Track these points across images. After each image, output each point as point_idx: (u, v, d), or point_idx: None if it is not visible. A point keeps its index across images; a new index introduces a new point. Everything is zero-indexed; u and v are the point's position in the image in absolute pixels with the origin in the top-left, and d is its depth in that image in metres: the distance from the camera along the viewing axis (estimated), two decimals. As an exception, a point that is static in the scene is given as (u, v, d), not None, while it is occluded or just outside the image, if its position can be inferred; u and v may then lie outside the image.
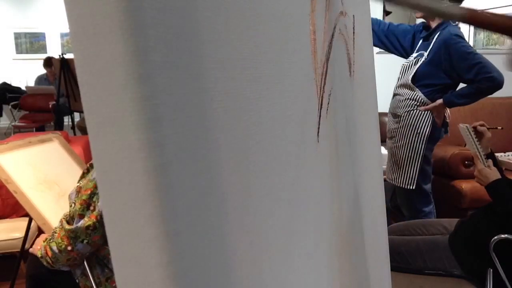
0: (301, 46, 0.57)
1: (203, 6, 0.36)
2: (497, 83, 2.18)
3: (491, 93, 2.29)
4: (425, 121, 2.33)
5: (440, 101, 2.29)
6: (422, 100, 2.34)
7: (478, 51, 2.37)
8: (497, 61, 3.49)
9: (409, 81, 2.36)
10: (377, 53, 3.18)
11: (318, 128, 0.63)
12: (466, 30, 5.60)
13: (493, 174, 1.56)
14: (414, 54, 2.42)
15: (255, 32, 0.45)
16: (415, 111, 2.34)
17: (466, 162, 2.74)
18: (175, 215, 0.31)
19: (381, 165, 1.16)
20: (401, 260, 1.67)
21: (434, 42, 2.29)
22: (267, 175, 0.46)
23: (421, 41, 2.41)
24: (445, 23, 2.29)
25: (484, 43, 5.40)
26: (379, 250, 1.06)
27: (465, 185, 2.72)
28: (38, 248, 1.37)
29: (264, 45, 0.46)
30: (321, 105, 0.64)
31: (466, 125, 1.69)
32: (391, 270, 1.21)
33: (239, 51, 0.41)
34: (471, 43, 5.54)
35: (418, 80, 2.35)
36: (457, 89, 2.35)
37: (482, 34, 5.43)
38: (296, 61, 0.55)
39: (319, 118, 0.63)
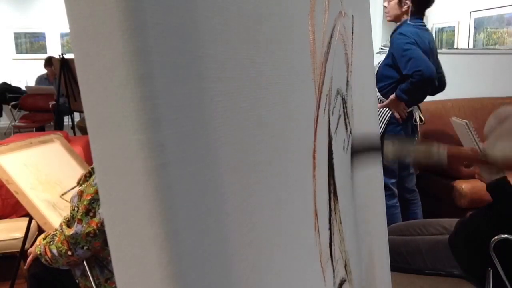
0: (300, 46, 0.57)
1: (203, 6, 0.36)
2: (426, 77, 2.24)
3: (425, 88, 2.36)
4: (382, 118, 2.43)
5: (393, 96, 2.40)
6: (380, 99, 2.45)
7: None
8: (497, 61, 3.50)
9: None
10: (377, 53, 3.18)
11: (316, 127, 0.63)
12: (466, 30, 5.60)
13: (496, 171, 1.55)
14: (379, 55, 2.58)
15: (255, 32, 0.45)
16: None
17: (466, 162, 2.74)
18: (175, 215, 0.31)
19: (381, 164, 1.15)
20: (401, 260, 1.67)
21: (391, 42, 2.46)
22: (266, 175, 0.46)
23: None
24: (403, 24, 2.42)
25: (484, 43, 5.41)
26: (379, 250, 1.06)
27: (465, 185, 2.71)
28: (37, 244, 1.36)
29: (263, 45, 0.46)
30: (319, 104, 0.64)
31: (465, 121, 1.67)
32: (391, 270, 1.21)
33: (239, 51, 0.41)
34: (471, 43, 5.55)
35: (380, 78, 2.47)
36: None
37: (482, 34, 5.43)
38: (295, 61, 0.55)
39: (317, 118, 0.63)
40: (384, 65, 2.47)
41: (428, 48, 2.39)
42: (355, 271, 0.81)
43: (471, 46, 5.50)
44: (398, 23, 2.46)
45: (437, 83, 2.41)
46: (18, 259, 1.99)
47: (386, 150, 0.65)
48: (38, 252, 1.32)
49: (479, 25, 5.47)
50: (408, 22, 2.40)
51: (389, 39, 2.57)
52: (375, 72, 2.50)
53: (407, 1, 2.38)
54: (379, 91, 2.47)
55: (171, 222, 0.31)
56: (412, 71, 2.24)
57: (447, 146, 0.65)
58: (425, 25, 2.48)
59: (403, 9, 2.40)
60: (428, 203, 2.82)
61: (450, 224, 1.78)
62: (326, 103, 0.67)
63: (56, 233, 1.29)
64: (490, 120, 1.74)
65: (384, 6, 2.52)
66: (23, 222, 2.17)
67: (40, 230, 1.63)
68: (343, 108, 0.79)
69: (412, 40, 2.30)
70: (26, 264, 1.47)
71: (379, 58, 2.73)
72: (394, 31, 2.47)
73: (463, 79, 3.38)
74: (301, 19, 0.58)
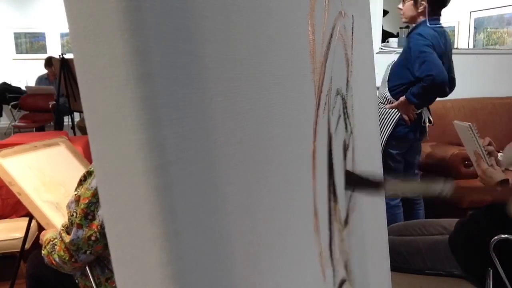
0: (300, 46, 0.57)
1: (203, 6, 0.36)
2: (437, 82, 2.22)
3: (434, 94, 2.36)
4: (391, 119, 2.43)
5: (403, 98, 2.38)
6: (389, 99, 2.45)
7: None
8: (497, 61, 3.50)
9: (385, 80, 2.50)
10: (377, 53, 3.18)
11: (316, 127, 0.63)
12: (466, 30, 5.60)
13: (498, 174, 1.55)
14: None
15: (255, 32, 0.45)
16: (381, 109, 2.46)
17: (466, 162, 2.74)
18: (175, 215, 0.31)
19: (380, 164, 1.15)
20: (401, 260, 1.67)
21: (406, 42, 2.45)
22: (266, 175, 0.46)
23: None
24: (421, 24, 2.40)
25: (484, 43, 5.40)
26: (379, 250, 1.06)
27: (465, 185, 2.71)
28: (43, 239, 1.36)
29: (263, 45, 0.47)
30: (319, 104, 0.64)
31: (468, 123, 1.67)
32: (391, 270, 1.21)
33: (239, 51, 0.41)
34: (471, 43, 5.55)
35: (392, 78, 2.47)
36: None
37: (482, 34, 5.43)
38: (295, 61, 0.55)
39: (317, 118, 0.63)
40: (398, 64, 2.44)
41: (443, 51, 2.37)
42: (355, 271, 0.81)
43: (471, 46, 5.50)
44: (414, 24, 2.44)
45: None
46: (18, 259, 1.99)
47: (388, 188, 0.65)
48: (45, 262, 1.31)
49: (479, 25, 5.47)
50: (425, 23, 2.37)
51: (406, 39, 2.54)
52: (389, 70, 2.49)
53: (423, 2, 2.35)
54: (389, 91, 2.46)
55: (171, 222, 0.31)
56: (423, 75, 2.22)
57: (453, 182, 0.66)
58: (442, 26, 2.45)
59: (419, 10, 2.37)
60: (428, 203, 2.81)
61: (450, 224, 1.77)
62: (326, 103, 0.67)
63: (56, 242, 1.29)
64: (507, 150, 1.75)
65: (399, 8, 2.49)
66: (23, 222, 2.17)
67: (40, 230, 1.63)
68: (343, 108, 0.79)
69: (429, 42, 2.27)
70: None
71: (379, 59, 2.72)
72: (411, 31, 2.44)
73: (463, 79, 3.38)
74: (301, 19, 0.58)
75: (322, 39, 0.66)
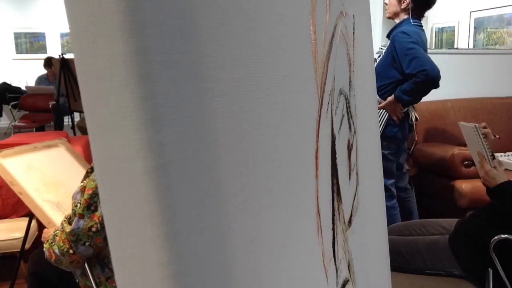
0: (301, 46, 0.57)
1: (203, 6, 0.36)
2: (431, 77, 2.23)
3: (428, 89, 2.35)
4: (380, 119, 2.43)
5: (391, 98, 2.39)
6: (377, 100, 2.44)
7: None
8: (497, 61, 3.50)
9: None
10: (377, 53, 3.18)
11: (318, 127, 0.63)
12: (466, 30, 5.60)
13: (501, 175, 1.55)
14: (376, 55, 2.56)
15: (255, 32, 0.45)
16: None
17: (466, 162, 2.74)
18: (175, 215, 0.31)
19: (381, 164, 1.15)
20: (401, 260, 1.67)
21: (390, 41, 2.43)
22: (267, 175, 0.46)
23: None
24: (403, 22, 2.41)
25: (484, 43, 5.40)
26: (379, 250, 1.06)
27: (465, 185, 2.71)
28: (46, 237, 1.37)
29: (264, 45, 0.46)
30: (321, 104, 0.64)
31: (474, 124, 1.67)
32: (391, 270, 1.21)
33: (239, 51, 0.41)
34: (471, 43, 5.55)
35: (377, 78, 2.47)
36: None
37: (482, 34, 5.43)
38: (296, 61, 0.55)
39: (319, 118, 0.63)
40: (383, 63, 2.46)
41: (424, 48, 2.40)
42: (358, 271, 0.80)
43: (471, 46, 5.50)
44: (397, 22, 2.46)
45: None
46: (18, 259, 1.99)
47: None
48: (46, 256, 1.32)
49: (479, 25, 5.47)
50: (408, 21, 2.39)
51: (388, 38, 2.56)
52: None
53: None
54: (377, 91, 2.47)
55: (171, 222, 0.31)
56: (416, 71, 2.23)
57: None
58: (422, 26, 2.47)
59: (402, 6, 2.40)
60: (428, 203, 2.81)
61: (450, 224, 1.78)
62: (328, 103, 0.67)
63: (57, 232, 1.29)
64: None
65: (385, 3, 2.52)
66: (23, 222, 2.18)
67: (40, 230, 1.63)
68: (347, 108, 0.79)
69: (414, 39, 2.30)
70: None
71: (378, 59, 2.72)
72: (393, 29, 2.46)
73: (463, 79, 3.38)
74: (302, 19, 0.57)
75: (324, 38, 0.66)
